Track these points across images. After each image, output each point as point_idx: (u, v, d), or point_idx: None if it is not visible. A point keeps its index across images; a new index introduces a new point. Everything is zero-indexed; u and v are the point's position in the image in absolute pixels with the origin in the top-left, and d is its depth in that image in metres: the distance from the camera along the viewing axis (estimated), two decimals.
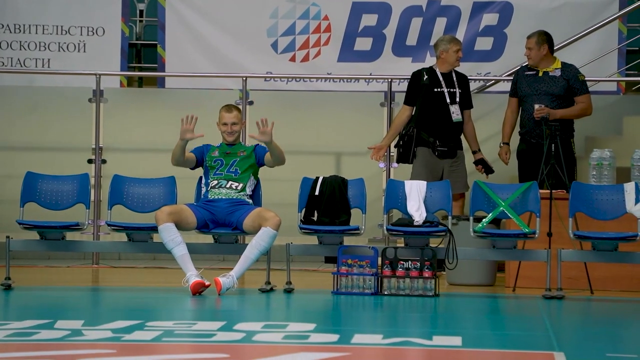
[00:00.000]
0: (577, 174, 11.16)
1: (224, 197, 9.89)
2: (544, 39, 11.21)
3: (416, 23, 13.10)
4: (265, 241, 9.64)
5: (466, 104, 11.37)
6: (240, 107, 12.24)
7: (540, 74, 11.22)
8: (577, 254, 10.16)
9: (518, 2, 13.02)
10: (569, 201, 10.24)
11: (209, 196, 9.94)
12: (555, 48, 11.67)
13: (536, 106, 11.06)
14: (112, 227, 10.40)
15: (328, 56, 13.13)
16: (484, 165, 11.43)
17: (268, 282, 10.20)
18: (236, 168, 9.97)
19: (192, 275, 9.51)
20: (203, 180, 10.13)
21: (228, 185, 9.92)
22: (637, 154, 10.86)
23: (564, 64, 11.25)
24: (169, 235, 9.65)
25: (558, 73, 11.21)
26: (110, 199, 10.57)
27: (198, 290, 9.45)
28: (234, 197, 9.90)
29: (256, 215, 9.70)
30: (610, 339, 8.24)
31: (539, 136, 10.99)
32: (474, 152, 11.46)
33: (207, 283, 9.48)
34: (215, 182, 9.95)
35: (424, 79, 11.28)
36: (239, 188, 9.92)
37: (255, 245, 9.63)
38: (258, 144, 9.97)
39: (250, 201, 9.98)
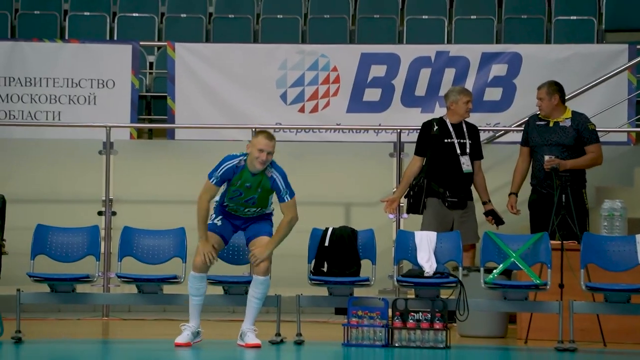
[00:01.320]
0: (589, 225, 11.13)
1: (243, 217, 9.91)
2: (555, 89, 11.23)
3: (425, 74, 13.14)
4: (259, 290, 9.78)
5: (476, 155, 11.38)
6: None
7: (551, 124, 11.23)
8: (589, 306, 10.12)
9: (527, 53, 13.06)
10: (581, 252, 10.20)
11: (228, 211, 9.92)
12: (565, 98, 11.70)
13: (546, 157, 11.06)
14: (122, 279, 10.41)
15: (337, 107, 13.16)
16: (494, 216, 11.42)
17: (278, 334, 10.17)
18: (254, 201, 9.83)
19: (188, 328, 9.76)
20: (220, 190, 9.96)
21: (244, 212, 9.87)
22: None
23: (574, 113, 11.26)
24: (198, 283, 9.77)
25: (568, 123, 11.22)
26: (120, 250, 10.59)
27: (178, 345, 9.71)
28: (253, 215, 9.92)
29: (252, 249, 9.81)
30: None
31: (550, 187, 10.99)
32: (484, 203, 11.45)
33: (190, 343, 9.75)
34: (232, 205, 9.89)
35: (434, 129, 11.30)
36: (256, 213, 9.89)
37: (252, 295, 9.80)
38: (274, 179, 9.78)
39: (268, 210, 9.96)
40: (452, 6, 15.54)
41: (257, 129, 12.31)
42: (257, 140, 9.67)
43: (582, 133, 11.16)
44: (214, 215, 9.90)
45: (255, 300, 9.77)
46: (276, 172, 9.76)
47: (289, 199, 9.78)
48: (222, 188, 9.80)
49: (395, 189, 12.01)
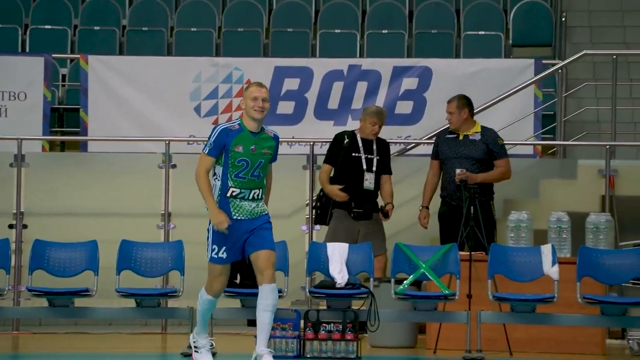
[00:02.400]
0: (496, 236, 11.28)
1: (247, 218, 8.94)
2: (465, 103, 11.38)
3: (337, 87, 13.21)
4: (269, 300, 8.90)
5: (385, 170, 11.51)
6: (164, 170, 12.26)
7: (461, 137, 11.37)
8: (496, 316, 10.25)
9: (437, 67, 13.17)
10: (488, 263, 10.34)
11: (232, 211, 8.91)
12: (474, 112, 11.83)
13: (457, 170, 11.19)
14: (33, 293, 10.36)
15: None
16: (383, 213, 11.50)
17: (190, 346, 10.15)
18: (259, 171, 8.94)
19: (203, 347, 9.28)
20: (219, 171, 8.94)
21: (250, 196, 8.92)
22: (554, 217, 11.02)
23: (483, 128, 11.41)
24: (211, 306, 9.19)
25: (478, 137, 11.37)
26: (31, 264, 10.54)
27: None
28: (255, 216, 8.96)
29: (254, 263, 8.95)
30: None
31: (460, 199, 11.12)
32: (386, 204, 11.55)
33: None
34: (238, 190, 8.90)
35: (345, 142, 11.41)
36: (259, 196, 8.98)
37: (262, 308, 8.91)
38: (278, 138, 9.03)
39: (266, 208, 9.04)
40: (364, 21, 15.66)
41: (170, 141, 12.40)
42: (249, 91, 8.96)
43: (492, 147, 11.32)
44: (215, 247, 9.01)
45: (267, 314, 8.89)
46: (276, 132, 9.09)
47: (276, 159, 9.21)
48: (221, 174, 8.91)
49: (307, 201, 12.12)
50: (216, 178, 8.90)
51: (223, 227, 8.78)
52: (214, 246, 8.91)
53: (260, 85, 8.99)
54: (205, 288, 9.04)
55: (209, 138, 8.86)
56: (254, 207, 8.91)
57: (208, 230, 8.94)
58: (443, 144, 11.43)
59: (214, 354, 10.00)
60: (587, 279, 10.25)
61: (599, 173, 12.08)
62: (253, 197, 8.91)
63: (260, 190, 8.97)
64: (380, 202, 11.53)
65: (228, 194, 8.86)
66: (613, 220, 11.17)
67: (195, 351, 9.19)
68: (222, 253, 8.93)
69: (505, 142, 11.56)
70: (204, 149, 8.88)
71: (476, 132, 11.37)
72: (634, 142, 13.38)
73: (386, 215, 11.48)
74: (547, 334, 10.64)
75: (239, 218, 8.86)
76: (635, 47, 14.78)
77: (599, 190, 12.02)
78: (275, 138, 8.99)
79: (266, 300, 8.84)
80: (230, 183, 8.86)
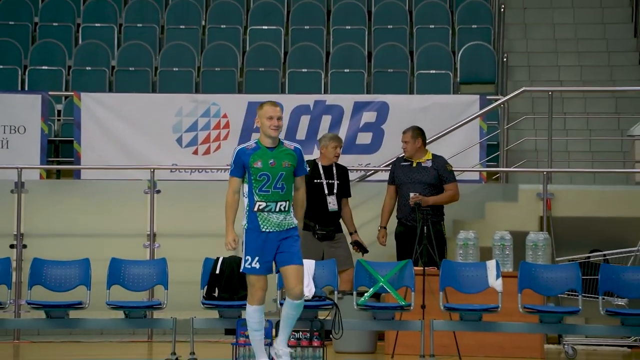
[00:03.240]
0: (447, 252, 11.36)
1: (275, 230, 8.75)
2: (418, 133, 11.48)
3: (305, 120, 13.24)
4: (294, 312, 8.91)
5: (344, 193, 11.60)
6: (149, 195, 12.28)
7: (414, 164, 11.47)
8: (447, 324, 10.31)
9: (393, 102, 13.20)
10: (440, 277, 10.41)
11: (260, 224, 8.74)
12: (426, 141, 11.91)
13: (411, 194, 11.29)
14: (32, 306, 10.35)
15: (227, 149, 13.14)
16: (359, 246, 11.62)
17: (174, 353, 10.15)
18: (282, 183, 8.71)
19: None
20: (246, 189, 8.80)
21: (277, 209, 8.70)
22: (497, 235, 11.11)
23: (434, 156, 11.51)
24: (259, 317, 8.92)
25: (429, 164, 11.46)
26: (30, 279, 10.53)
27: None
28: (284, 228, 8.78)
29: (284, 277, 8.85)
30: None
31: (414, 220, 11.21)
32: (350, 234, 11.65)
33: None
34: (264, 204, 8.70)
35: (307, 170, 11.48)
36: (286, 208, 8.74)
37: (288, 316, 8.95)
38: (299, 150, 8.80)
39: (295, 220, 8.84)
40: (328, 61, 15.74)
41: (154, 169, 12.42)
42: (263, 110, 8.72)
43: (442, 173, 11.42)
44: (249, 258, 8.83)
45: (290, 321, 8.94)
46: (297, 145, 8.87)
47: (307, 171, 9.02)
48: (247, 191, 8.74)
49: None
50: (244, 196, 8.75)
51: (227, 248, 8.77)
52: (247, 257, 8.76)
53: (274, 104, 8.77)
54: (248, 301, 8.91)
55: (232, 162, 8.76)
56: (281, 220, 8.71)
57: (242, 243, 8.82)
58: (398, 171, 11.52)
59: None
60: (527, 290, 10.32)
61: (537, 196, 12.16)
62: (280, 209, 8.69)
63: (287, 202, 8.73)
64: (344, 226, 11.60)
65: (255, 209, 8.69)
66: (550, 238, 11.25)
67: None
68: (255, 263, 8.75)
69: (454, 168, 11.65)
70: (229, 172, 8.80)
71: (428, 160, 11.46)
72: (568, 169, 13.47)
73: (362, 249, 11.59)
74: (492, 340, 10.69)
75: (268, 230, 8.71)
76: (568, 85, 14.92)
77: (537, 212, 12.11)
78: (296, 150, 8.76)
79: (292, 311, 8.87)
80: (256, 198, 8.68)
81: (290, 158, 8.72)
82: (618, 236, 11.94)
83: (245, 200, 8.72)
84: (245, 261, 8.75)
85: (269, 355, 8.94)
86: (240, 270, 8.82)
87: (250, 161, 8.64)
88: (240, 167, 8.71)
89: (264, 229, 8.71)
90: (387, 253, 11.78)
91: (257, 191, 8.66)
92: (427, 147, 11.66)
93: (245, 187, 8.72)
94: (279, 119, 8.69)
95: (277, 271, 8.82)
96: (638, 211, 12.17)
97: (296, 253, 8.75)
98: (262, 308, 8.82)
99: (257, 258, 8.72)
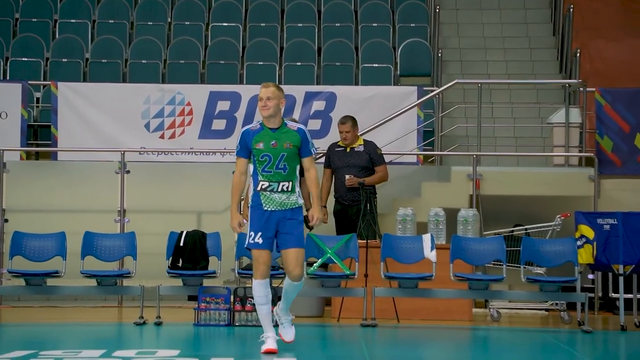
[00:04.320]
0: (377, 226, 11.18)
1: (278, 209, 8.09)
2: (355, 122, 11.44)
3: None
4: (292, 289, 8.27)
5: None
6: (120, 175, 12.16)
7: (348, 149, 11.39)
8: (387, 291, 10.35)
9: (340, 92, 13.16)
10: (381, 249, 10.44)
11: (262, 202, 8.09)
12: (369, 128, 11.86)
13: (347, 176, 11.25)
14: (13, 274, 10.28)
15: (191, 134, 13.09)
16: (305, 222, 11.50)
17: (141, 317, 10.12)
18: (284, 164, 8.05)
19: (270, 339, 8.18)
20: (251, 169, 8.17)
21: (280, 189, 8.05)
22: (432, 212, 11.15)
23: (365, 141, 11.43)
24: (264, 291, 8.13)
25: (362, 149, 11.39)
26: (11, 251, 10.47)
27: (267, 353, 8.14)
28: (287, 208, 8.10)
29: (284, 260, 8.22)
30: (412, 357, 8.41)
31: (349, 199, 11.18)
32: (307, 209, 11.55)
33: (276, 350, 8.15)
34: (267, 183, 8.07)
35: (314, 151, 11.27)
36: (289, 188, 8.05)
37: (285, 292, 8.35)
38: (303, 131, 8.10)
39: (300, 200, 8.15)
40: (282, 55, 15.67)
41: (125, 152, 12.29)
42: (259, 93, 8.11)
43: (372, 157, 11.33)
44: (252, 233, 8.10)
45: (290, 295, 8.32)
46: (301, 125, 8.16)
47: (314, 152, 8.21)
48: (252, 171, 8.13)
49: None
50: (250, 175, 8.16)
51: (235, 231, 8.21)
52: (251, 232, 8.07)
53: (265, 85, 8.10)
54: (253, 275, 8.17)
55: (237, 142, 8.15)
56: (284, 199, 8.05)
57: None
58: (334, 155, 11.45)
59: (159, 324, 9.99)
60: (458, 261, 10.39)
61: (467, 177, 12.19)
62: (282, 189, 8.04)
63: (290, 182, 8.05)
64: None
65: (258, 188, 8.05)
66: (478, 214, 11.33)
67: (280, 324, 8.45)
68: (258, 238, 8.04)
69: (394, 152, 11.62)
70: (235, 153, 8.20)
71: (360, 145, 11.39)
72: (495, 153, 13.52)
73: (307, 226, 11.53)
74: (427, 305, 10.74)
75: (271, 209, 8.05)
76: (496, 77, 14.95)
77: (467, 191, 12.14)
78: (299, 131, 8.06)
79: (291, 289, 8.26)
80: (259, 178, 8.05)
81: (292, 139, 8.04)
82: (538, 212, 12.03)
83: (251, 180, 8.14)
84: (249, 236, 8.08)
85: (274, 322, 8.36)
86: (245, 246, 8.16)
87: (253, 142, 8.02)
88: (245, 148, 8.06)
89: (266, 208, 8.06)
90: (329, 228, 11.73)
91: (260, 171, 8.03)
92: (371, 133, 11.62)
93: (251, 167, 8.12)
94: (269, 99, 7.99)
95: (278, 251, 8.17)
96: (556, 190, 12.27)
97: (297, 235, 8.10)
98: (266, 282, 8.09)
99: (260, 233, 8.03)
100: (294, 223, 8.09)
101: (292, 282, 8.15)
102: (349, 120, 11.38)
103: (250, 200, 8.14)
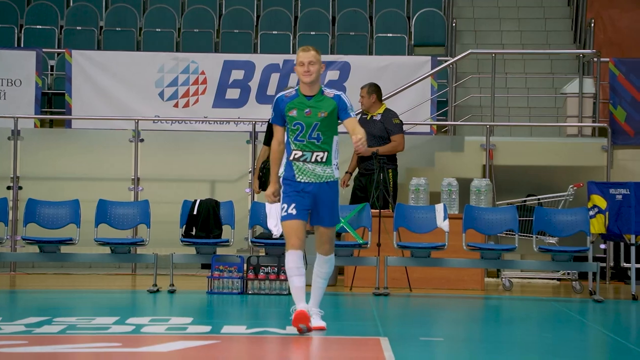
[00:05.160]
0: (392, 196, 11.05)
1: (313, 182, 7.37)
2: (373, 89, 11.31)
3: (275, 77, 13.12)
4: (323, 269, 7.52)
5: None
6: (134, 144, 12.12)
7: (369, 117, 11.33)
8: (399, 260, 10.30)
9: (354, 62, 13.12)
10: (394, 218, 10.38)
11: (296, 174, 7.39)
12: (384, 97, 11.78)
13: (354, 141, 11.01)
14: (27, 241, 10.28)
15: (205, 103, 13.06)
16: None
17: (155, 284, 10.10)
18: (318, 133, 7.33)
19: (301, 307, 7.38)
20: (286, 138, 7.46)
21: (313, 159, 7.34)
22: (445, 182, 11.08)
23: (385, 110, 11.29)
24: (297, 262, 7.37)
25: (379, 117, 11.28)
26: (25, 218, 10.47)
27: (298, 323, 7.27)
28: (323, 181, 7.38)
29: (315, 235, 7.56)
30: (424, 325, 8.37)
31: (362, 168, 11.09)
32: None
33: (310, 323, 7.31)
34: (300, 152, 7.36)
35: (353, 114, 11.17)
36: (324, 159, 7.33)
37: (317, 275, 7.54)
38: (339, 97, 7.40)
39: (336, 173, 7.45)
40: (296, 24, 15.57)
41: (139, 120, 12.25)
42: (297, 56, 7.39)
43: (387, 126, 11.20)
44: (285, 205, 7.40)
45: (319, 280, 7.52)
46: (338, 92, 7.45)
47: (353, 115, 7.45)
48: (286, 140, 7.45)
49: (250, 169, 12.05)
50: (286, 144, 7.47)
51: (269, 200, 7.53)
52: (284, 204, 7.38)
53: (306, 49, 7.38)
54: (285, 247, 7.47)
55: (272, 108, 7.48)
56: (318, 171, 7.34)
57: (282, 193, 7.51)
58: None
59: (172, 291, 9.96)
60: (471, 230, 10.34)
61: (481, 147, 12.12)
62: (316, 159, 7.33)
63: (325, 154, 7.34)
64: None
65: (291, 157, 7.38)
66: (491, 184, 11.27)
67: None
68: (292, 209, 7.33)
69: (407, 122, 11.52)
70: (270, 119, 7.53)
71: (379, 114, 11.27)
72: (508, 123, 13.44)
73: None
74: (439, 274, 10.71)
75: (304, 181, 7.36)
76: (510, 47, 14.86)
77: (481, 161, 12.08)
78: (336, 97, 7.36)
79: (321, 268, 7.49)
80: (292, 147, 7.38)
81: (328, 107, 7.33)
82: (551, 182, 11.96)
83: (286, 149, 7.46)
84: (282, 209, 7.39)
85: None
86: (280, 221, 7.50)
87: (286, 109, 7.36)
88: (279, 115, 7.39)
89: (299, 179, 7.36)
90: (341, 197, 11.65)
91: (293, 140, 7.35)
92: (385, 102, 11.50)
93: (286, 136, 7.44)
94: (311, 63, 7.29)
95: (312, 225, 7.50)
96: (568, 160, 12.19)
97: (331, 214, 7.42)
98: (298, 253, 7.33)
99: (293, 205, 7.33)
100: (330, 199, 7.39)
101: (323, 255, 7.46)
102: (366, 87, 11.29)
103: (282, 171, 7.46)
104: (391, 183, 10.95)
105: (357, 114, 10.92)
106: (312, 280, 7.52)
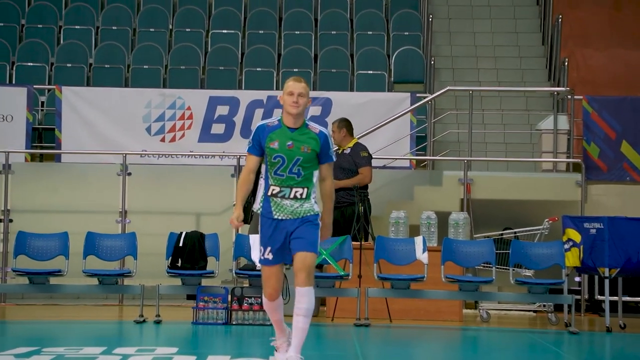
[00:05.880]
0: (372, 228, 11.04)
1: (289, 218, 6.82)
2: (344, 124, 11.33)
3: (259, 113, 13.14)
4: (302, 304, 6.80)
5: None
6: (120, 178, 12.12)
7: (340, 151, 11.32)
8: (380, 292, 10.32)
9: (336, 98, 13.16)
10: (374, 251, 10.41)
11: (273, 210, 6.84)
12: (363, 133, 11.81)
13: None
14: (17, 273, 10.27)
15: (191, 138, 13.08)
16: None
17: (141, 315, 10.08)
18: (299, 168, 6.79)
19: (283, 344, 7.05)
20: (264, 170, 6.89)
21: (292, 195, 6.79)
22: (424, 215, 11.13)
23: (355, 144, 11.25)
24: (276, 309, 6.98)
25: (348, 151, 11.30)
26: (15, 250, 10.48)
27: None
28: (298, 217, 6.83)
29: (294, 265, 6.91)
30: (404, 356, 8.39)
31: (337, 202, 11.02)
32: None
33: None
34: (278, 188, 6.81)
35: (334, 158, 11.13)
36: (303, 196, 6.80)
37: (296, 312, 6.83)
38: (324, 135, 6.83)
39: (316, 207, 6.88)
40: (280, 61, 15.66)
41: (126, 154, 12.26)
42: (286, 85, 6.84)
43: (355, 159, 11.21)
44: (262, 248, 6.90)
45: (299, 319, 6.76)
46: (323, 128, 6.89)
47: (334, 159, 6.97)
48: (263, 174, 6.89)
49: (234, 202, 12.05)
50: (262, 177, 6.90)
51: (233, 225, 6.93)
52: (261, 247, 6.87)
53: (297, 80, 6.84)
54: (263, 292, 6.99)
55: (251, 137, 6.92)
56: (296, 207, 6.79)
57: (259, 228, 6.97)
58: None
59: (159, 322, 9.95)
60: (449, 262, 10.38)
61: (459, 181, 12.18)
62: (295, 196, 6.77)
63: (305, 190, 6.79)
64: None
65: (269, 193, 6.81)
66: (469, 217, 11.32)
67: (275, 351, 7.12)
68: (268, 254, 6.82)
69: (386, 157, 11.53)
70: (247, 148, 6.91)
71: (349, 147, 11.29)
72: (485, 158, 13.52)
73: None
74: (419, 305, 10.72)
75: (280, 218, 6.80)
76: (486, 85, 14.95)
77: (459, 195, 12.13)
78: (320, 135, 6.79)
79: (299, 303, 6.77)
80: (270, 181, 6.81)
81: (311, 142, 6.77)
82: (527, 216, 12.01)
83: (263, 183, 6.88)
84: (260, 252, 6.88)
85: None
86: (257, 263, 7.08)
87: (267, 140, 6.77)
88: (257, 145, 6.80)
89: (276, 216, 6.81)
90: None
91: (272, 174, 6.79)
92: (366, 137, 11.55)
93: (264, 167, 6.86)
94: (300, 95, 6.75)
95: (290, 262, 6.90)
96: (544, 195, 12.27)
97: (306, 239, 6.77)
98: (275, 303, 6.90)
99: (269, 248, 6.82)
100: (307, 227, 6.78)
101: (300, 287, 6.76)
102: (336, 122, 11.33)
103: (259, 207, 6.91)
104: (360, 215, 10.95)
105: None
106: (293, 320, 6.82)
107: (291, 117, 6.78)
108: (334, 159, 6.94)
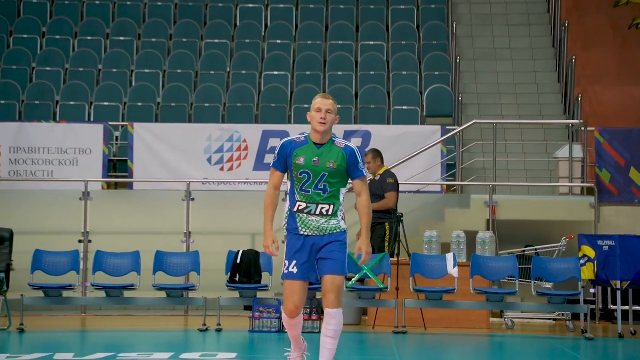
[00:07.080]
0: (407, 246, 10.97)
1: (316, 234, 6.18)
2: (377, 154, 11.31)
3: None
4: (331, 326, 6.16)
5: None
6: (185, 203, 12.23)
7: (374, 178, 11.30)
8: (415, 302, 10.30)
9: (374, 130, 13.18)
10: (410, 266, 10.40)
11: (299, 226, 6.19)
12: (398, 162, 11.79)
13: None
14: (95, 287, 10.39)
15: (246, 167, 13.16)
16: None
17: (204, 324, 10.15)
18: (325, 184, 6.15)
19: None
20: (289, 186, 6.29)
21: (318, 212, 6.13)
22: (454, 234, 11.09)
23: (385, 172, 11.16)
24: (297, 331, 6.37)
25: (378, 177, 11.25)
26: (94, 267, 10.60)
27: None
28: (326, 233, 6.18)
29: (322, 286, 6.26)
30: None
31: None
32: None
33: None
34: (304, 204, 6.15)
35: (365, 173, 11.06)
36: (329, 212, 6.13)
37: (324, 334, 6.21)
38: (351, 150, 6.23)
39: (342, 224, 6.24)
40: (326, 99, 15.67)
41: (190, 182, 12.38)
42: (314, 102, 6.25)
43: (381, 185, 11.12)
44: (287, 262, 6.25)
45: (327, 340, 6.14)
46: (350, 143, 6.26)
47: (366, 173, 6.31)
48: (289, 190, 6.26)
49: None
50: (287, 193, 6.28)
51: (267, 251, 6.24)
52: (286, 261, 6.22)
53: (325, 97, 6.26)
54: (282, 308, 6.35)
55: (276, 152, 6.32)
56: (322, 224, 6.12)
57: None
58: None
59: (219, 330, 10.00)
60: (477, 276, 10.35)
61: (485, 204, 12.15)
62: (321, 212, 6.11)
63: (331, 207, 6.12)
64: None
65: (295, 209, 6.15)
66: (494, 236, 11.27)
67: None
68: (293, 267, 6.15)
69: (420, 182, 11.52)
70: (272, 164, 6.30)
71: (379, 174, 11.26)
72: (509, 183, 13.46)
73: None
74: (450, 315, 10.68)
75: (307, 234, 6.15)
76: (509, 118, 14.90)
77: (485, 216, 12.09)
78: (347, 149, 6.16)
79: (328, 325, 6.15)
80: (296, 197, 6.15)
81: (338, 158, 6.14)
82: (546, 235, 11.95)
83: (288, 199, 6.24)
84: (284, 266, 6.24)
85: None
86: (281, 277, 6.32)
87: (294, 155, 6.15)
88: (283, 160, 6.17)
89: (302, 232, 6.17)
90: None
91: (298, 190, 6.12)
92: (400, 166, 11.55)
93: (289, 184, 6.24)
94: (329, 112, 6.15)
95: (318, 280, 6.25)
96: (561, 216, 12.20)
97: (336, 260, 6.10)
98: (294, 320, 6.24)
99: (294, 262, 6.15)
100: (334, 247, 6.12)
101: (329, 309, 6.09)
102: (370, 153, 11.29)
103: (285, 223, 6.25)
104: (388, 233, 10.91)
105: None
106: (320, 341, 6.19)
107: (318, 134, 6.18)
108: (366, 174, 6.27)
